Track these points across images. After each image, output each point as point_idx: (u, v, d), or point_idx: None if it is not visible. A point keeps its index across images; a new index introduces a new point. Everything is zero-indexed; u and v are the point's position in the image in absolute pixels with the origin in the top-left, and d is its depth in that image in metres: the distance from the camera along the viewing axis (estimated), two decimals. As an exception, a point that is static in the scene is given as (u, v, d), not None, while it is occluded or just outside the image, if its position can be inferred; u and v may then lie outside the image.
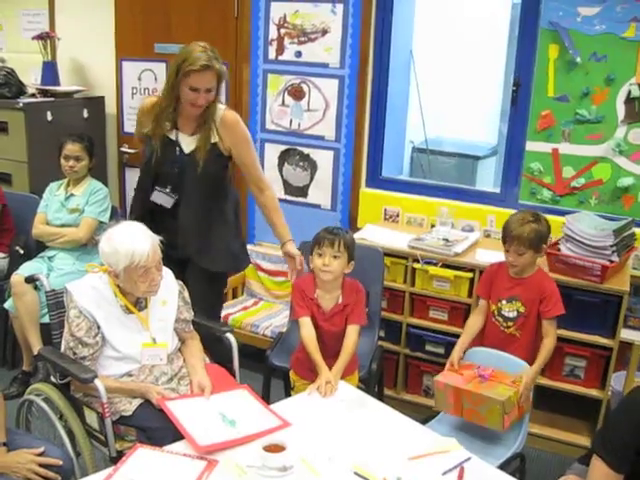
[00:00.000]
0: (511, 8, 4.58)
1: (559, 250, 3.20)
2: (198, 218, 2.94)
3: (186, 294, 2.69)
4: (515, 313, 2.83)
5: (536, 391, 2.84)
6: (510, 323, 2.84)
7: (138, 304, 2.53)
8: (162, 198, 2.91)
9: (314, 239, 2.76)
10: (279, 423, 2.21)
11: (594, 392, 3.19)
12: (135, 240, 2.38)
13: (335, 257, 2.69)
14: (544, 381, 3.21)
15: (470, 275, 3.32)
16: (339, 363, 2.63)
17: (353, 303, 2.77)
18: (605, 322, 3.11)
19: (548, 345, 2.75)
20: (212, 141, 2.87)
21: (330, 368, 2.59)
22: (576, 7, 3.31)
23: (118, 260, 2.37)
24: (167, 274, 2.61)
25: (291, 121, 4.16)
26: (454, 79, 4.59)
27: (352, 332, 2.74)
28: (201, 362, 2.62)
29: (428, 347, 3.50)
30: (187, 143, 2.88)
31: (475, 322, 2.94)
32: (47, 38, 4.68)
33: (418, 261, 3.41)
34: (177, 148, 2.88)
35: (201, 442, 2.05)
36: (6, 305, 3.57)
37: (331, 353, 2.69)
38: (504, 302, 2.85)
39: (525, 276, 2.84)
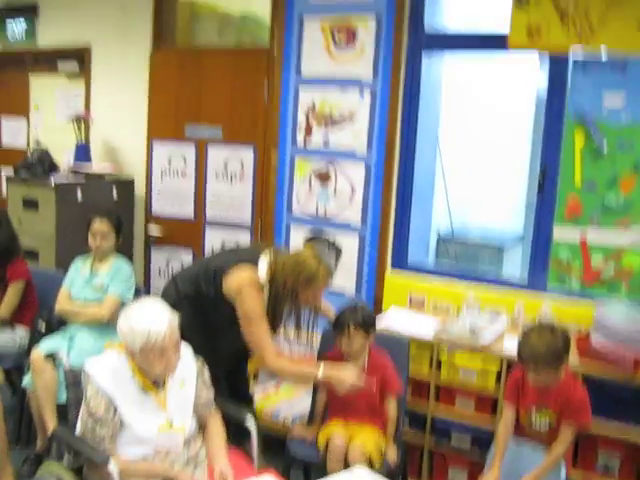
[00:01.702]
0: (535, 99, 4.65)
1: (589, 340, 3.11)
2: None
3: (206, 374, 2.64)
4: (547, 422, 2.74)
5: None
6: (543, 431, 2.76)
7: (156, 384, 2.48)
8: None
9: (339, 322, 3.01)
10: None
11: (630, 490, 3.04)
12: (152, 319, 2.36)
13: (360, 336, 2.96)
14: (576, 476, 3.05)
15: (498, 366, 3.23)
16: (388, 433, 2.97)
17: (383, 374, 2.99)
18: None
19: (559, 450, 2.66)
20: None
21: (355, 425, 2.95)
22: (602, 99, 3.34)
23: (134, 339, 2.34)
24: (186, 352, 2.57)
25: (317, 205, 4.18)
26: (480, 166, 4.63)
27: (391, 404, 3.00)
28: (223, 448, 2.55)
29: (454, 439, 3.38)
30: None
31: (506, 434, 2.82)
32: (81, 120, 4.82)
33: (444, 351, 3.33)
34: None
35: None
36: (24, 381, 3.53)
37: (359, 413, 2.97)
38: (534, 411, 2.76)
39: (551, 385, 2.73)
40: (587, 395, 2.74)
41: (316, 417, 3.13)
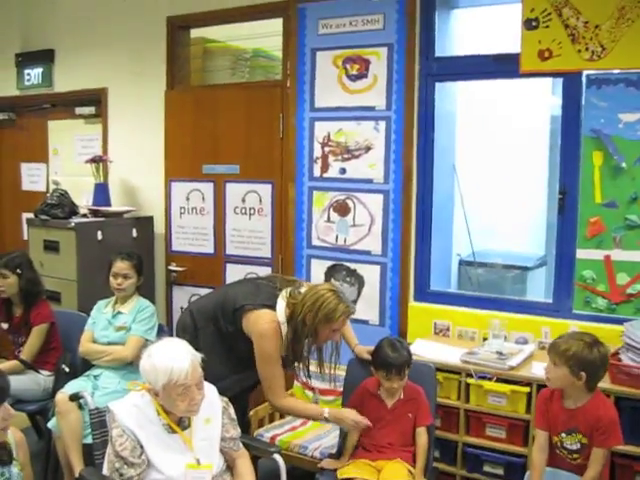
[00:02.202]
0: (550, 120, 4.64)
1: (620, 360, 3.05)
2: None
3: (231, 410, 2.62)
4: (578, 445, 2.67)
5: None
6: (576, 455, 2.69)
7: (181, 423, 2.46)
8: None
9: (380, 362, 3.01)
10: None
11: (670, 516, 2.94)
12: (175, 357, 2.35)
13: (401, 378, 2.99)
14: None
15: (527, 389, 3.17)
16: (418, 464, 2.95)
17: (416, 405, 3.02)
18: (675, 436, 2.91)
19: (591, 474, 2.58)
20: None
21: (384, 461, 2.93)
22: (617, 114, 3.32)
23: (157, 377, 2.33)
24: (210, 391, 2.55)
25: (337, 237, 4.17)
26: (498, 190, 4.60)
27: (421, 434, 3.01)
28: None
29: (486, 467, 3.30)
30: None
31: (541, 461, 2.75)
32: (100, 162, 4.87)
33: (472, 376, 3.28)
34: None
35: None
36: (50, 424, 3.52)
37: (391, 447, 3.00)
38: (564, 435, 2.70)
39: (580, 405, 2.68)
40: (617, 414, 2.68)
41: (346, 451, 3.09)
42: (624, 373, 2.99)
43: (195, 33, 4.90)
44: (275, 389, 3.01)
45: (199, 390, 2.40)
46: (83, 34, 5.18)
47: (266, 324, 2.93)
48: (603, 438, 2.60)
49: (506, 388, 3.21)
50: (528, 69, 3.51)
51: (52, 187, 5.16)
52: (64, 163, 5.51)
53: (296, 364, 3.11)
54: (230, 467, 2.61)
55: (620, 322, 3.24)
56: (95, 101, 5.20)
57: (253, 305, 2.99)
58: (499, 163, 4.62)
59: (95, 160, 4.85)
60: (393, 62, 3.89)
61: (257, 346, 2.96)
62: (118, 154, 5.02)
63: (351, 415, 2.95)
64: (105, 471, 2.47)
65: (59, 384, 3.67)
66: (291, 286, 3.07)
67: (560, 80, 3.57)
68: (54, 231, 4.47)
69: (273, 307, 2.98)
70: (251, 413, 3.66)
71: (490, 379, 3.25)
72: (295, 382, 4.08)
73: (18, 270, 3.93)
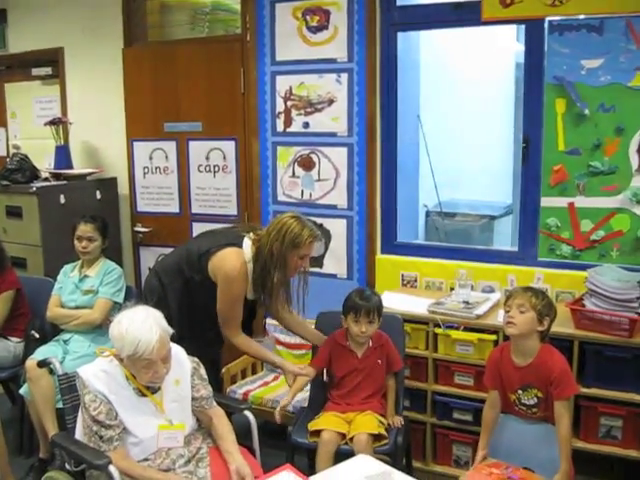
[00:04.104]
0: (515, 68, 4.62)
1: (584, 306, 3.10)
2: None
3: (202, 371, 2.62)
4: (535, 400, 2.71)
5: (572, 456, 2.69)
6: (535, 409, 2.72)
7: (151, 387, 2.45)
8: None
9: (349, 306, 3.06)
10: None
11: (634, 453, 3.02)
12: (143, 330, 2.32)
13: (370, 322, 3.01)
14: (580, 444, 3.05)
15: (494, 337, 3.21)
16: (389, 404, 3.11)
17: (385, 351, 3.10)
18: (639, 378, 2.97)
19: (563, 433, 2.60)
20: None
21: (364, 404, 3.04)
22: (580, 60, 3.31)
23: (123, 346, 2.32)
24: (179, 352, 2.55)
25: (302, 192, 4.15)
26: (464, 141, 4.60)
27: (390, 380, 3.14)
28: (235, 445, 2.53)
29: (456, 414, 3.37)
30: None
31: (492, 416, 2.82)
32: (59, 123, 4.77)
33: (439, 326, 3.32)
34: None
35: None
36: (21, 391, 3.51)
37: (365, 396, 3.07)
38: (520, 392, 2.73)
39: (530, 361, 2.69)
40: (567, 364, 2.71)
41: (291, 392, 3.10)
42: (588, 318, 3.05)
43: (151, -14, 4.76)
44: (232, 327, 3.03)
45: (164, 364, 2.38)
46: (35, -8, 5.02)
47: (231, 264, 2.92)
48: (559, 390, 2.62)
49: (473, 337, 3.25)
50: (490, 16, 3.47)
51: (12, 151, 5.05)
52: (23, 126, 5.39)
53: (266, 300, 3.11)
54: (206, 426, 2.62)
55: (584, 268, 3.28)
56: (51, 61, 5.06)
57: (218, 247, 2.97)
58: (465, 113, 4.60)
59: (54, 122, 4.75)
60: (354, 12, 3.82)
61: (221, 287, 2.95)
62: (78, 115, 4.91)
63: (294, 370, 3.09)
64: (80, 436, 2.47)
65: (29, 350, 3.65)
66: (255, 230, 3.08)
67: (523, 28, 3.54)
68: (16, 196, 4.39)
69: (239, 246, 2.97)
70: (223, 370, 3.68)
71: (457, 328, 3.29)
72: (266, 337, 4.10)
73: (-20, 238, 3.86)
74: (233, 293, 2.96)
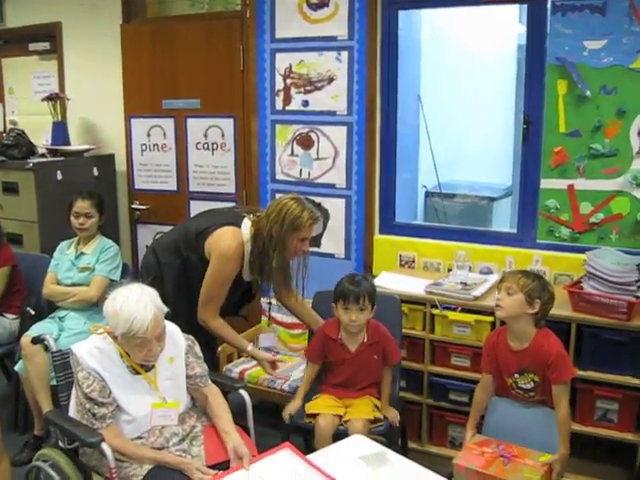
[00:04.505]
0: (517, 50, 4.57)
1: (582, 288, 3.09)
2: None
3: (197, 349, 2.61)
4: (532, 384, 2.70)
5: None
6: (532, 393, 2.71)
7: (145, 364, 2.44)
8: None
9: (339, 292, 2.94)
10: None
11: (629, 436, 3.02)
12: (138, 308, 2.30)
13: (361, 310, 2.89)
14: (575, 427, 3.04)
15: (491, 319, 3.19)
16: (384, 395, 2.99)
17: (382, 346, 2.98)
18: (636, 361, 2.96)
19: (562, 417, 2.60)
20: None
21: (355, 400, 2.94)
22: (582, 41, 3.27)
23: (117, 324, 2.31)
24: (174, 331, 2.53)
25: (301, 170, 4.13)
26: (464, 122, 4.57)
27: (386, 372, 3.02)
28: (231, 424, 2.51)
29: (452, 396, 3.37)
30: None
31: (483, 398, 2.83)
32: (57, 99, 4.73)
33: (436, 307, 3.31)
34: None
35: None
36: (16, 367, 3.51)
37: (359, 387, 2.99)
38: (517, 376, 2.72)
39: (526, 345, 2.68)
40: (563, 348, 2.70)
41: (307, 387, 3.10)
42: (585, 301, 3.03)
43: (151, -39, 4.70)
44: (211, 308, 2.96)
45: (159, 342, 2.36)
46: (33, -35, 4.95)
47: (227, 242, 2.89)
48: (556, 374, 2.62)
49: (470, 318, 3.24)
50: (492, -5, 3.44)
51: (9, 127, 5.00)
52: (20, 102, 5.35)
53: (264, 283, 3.10)
54: (201, 404, 2.61)
55: (583, 251, 3.26)
56: (49, 36, 5.01)
57: (216, 225, 2.94)
58: (465, 94, 4.57)
59: (52, 98, 4.71)
60: (355, -12, 3.78)
61: (213, 264, 2.92)
62: (76, 91, 4.88)
63: (266, 357, 3.11)
64: (73, 413, 2.46)
65: (25, 327, 3.64)
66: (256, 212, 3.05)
67: (525, 8, 3.49)
68: (12, 172, 4.37)
69: (238, 225, 2.94)
70: (219, 349, 3.67)
71: (455, 309, 3.28)
72: (262, 317, 4.09)
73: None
74: (224, 273, 2.92)
